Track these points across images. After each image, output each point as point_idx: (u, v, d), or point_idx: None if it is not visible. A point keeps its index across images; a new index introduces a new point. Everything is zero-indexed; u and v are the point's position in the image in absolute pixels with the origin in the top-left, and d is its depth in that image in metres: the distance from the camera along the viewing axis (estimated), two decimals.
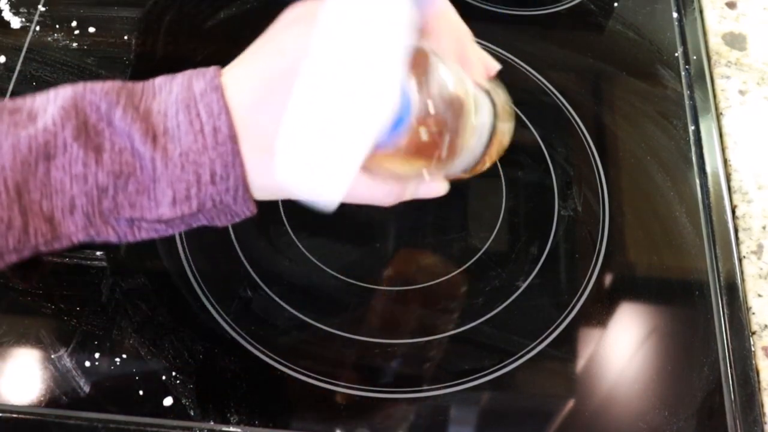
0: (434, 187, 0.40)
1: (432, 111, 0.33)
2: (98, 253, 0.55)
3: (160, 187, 0.33)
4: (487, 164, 0.43)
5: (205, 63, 0.68)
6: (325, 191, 0.31)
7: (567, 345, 0.51)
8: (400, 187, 0.37)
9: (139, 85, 0.34)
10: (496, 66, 0.43)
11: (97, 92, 0.33)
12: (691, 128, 0.62)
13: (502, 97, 0.41)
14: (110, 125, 0.33)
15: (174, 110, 0.33)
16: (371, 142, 0.31)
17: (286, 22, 0.35)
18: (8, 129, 0.32)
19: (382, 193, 0.37)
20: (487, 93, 0.39)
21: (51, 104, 0.33)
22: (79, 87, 0.34)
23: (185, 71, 0.35)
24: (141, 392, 0.48)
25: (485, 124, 0.38)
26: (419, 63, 0.33)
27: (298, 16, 0.35)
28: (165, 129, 0.32)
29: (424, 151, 0.33)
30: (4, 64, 0.65)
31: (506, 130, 0.42)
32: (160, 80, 0.35)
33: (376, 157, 0.33)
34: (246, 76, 0.34)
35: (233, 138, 0.32)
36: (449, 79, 0.34)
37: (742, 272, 0.55)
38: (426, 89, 0.33)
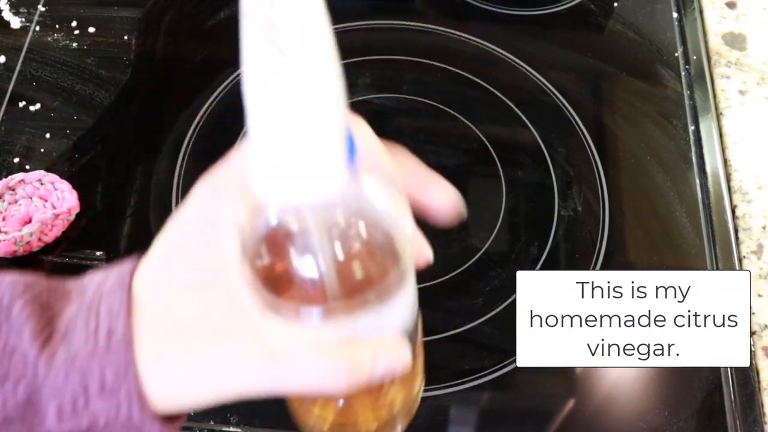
0: (396, 355, 0.30)
1: (367, 219, 0.28)
2: (98, 253, 0.55)
3: (44, 397, 0.28)
4: (417, 387, 0.38)
5: (205, 63, 0.67)
6: (326, 181, 0.25)
7: None
8: (350, 360, 0.28)
9: (64, 285, 0.30)
10: (427, 256, 0.32)
11: (4, 283, 0.29)
12: (691, 128, 0.62)
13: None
14: (8, 320, 0.28)
15: (79, 311, 0.28)
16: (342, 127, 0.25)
17: (192, 192, 0.30)
18: None
19: (327, 371, 0.28)
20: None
21: None
22: None
23: (112, 266, 0.30)
24: None
25: (413, 301, 0.31)
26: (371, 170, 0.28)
27: (201, 186, 0.30)
28: (65, 333, 0.28)
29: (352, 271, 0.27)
30: (4, 64, 0.65)
31: (421, 366, 0.38)
32: (87, 277, 0.30)
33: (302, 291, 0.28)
34: (148, 262, 0.30)
35: (128, 342, 0.27)
36: (397, 212, 0.29)
37: None
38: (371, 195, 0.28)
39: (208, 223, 0.30)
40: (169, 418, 0.29)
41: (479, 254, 0.55)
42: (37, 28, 0.67)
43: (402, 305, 0.31)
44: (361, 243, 0.28)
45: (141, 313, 0.28)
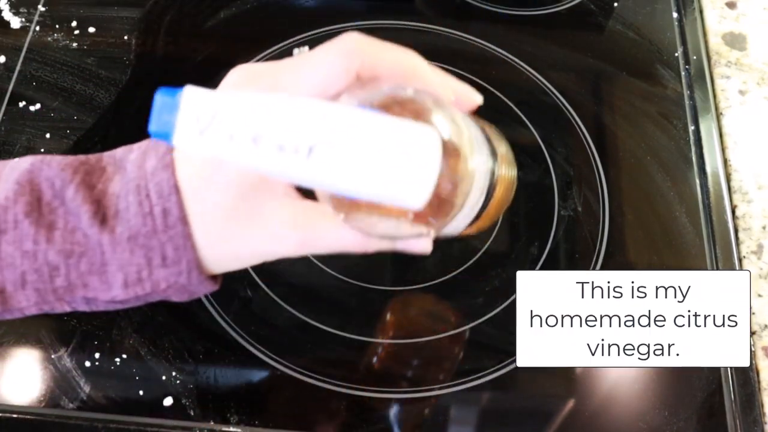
0: (417, 244, 0.34)
1: None
2: None
3: (111, 270, 0.32)
4: (487, 223, 0.39)
5: (205, 63, 0.67)
6: (412, 188, 0.26)
7: None
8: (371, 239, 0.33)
9: (100, 162, 0.33)
10: (476, 99, 0.36)
11: (53, 167, 0.32)
12: (691, 128, 0.62)
13: (502, 144, 0.37)
14: (63, 203, 0.32)
15: (125, 190, 0.32)
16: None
17: (234, 83, 0.32)
18: None
19: (351, 241, 0.33)
20: (482, 130, 0.35)
21: (7, 177, 0.33)
22: (37, 160, 0.33)
23: (142, 143, 0.33)
24: (141, 392, 0.48)
25: (483, 169, 0.32)
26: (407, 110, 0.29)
27: (247, 79, 0.31)
28: (116, 211, 0.31)
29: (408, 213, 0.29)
30: (4, 64, 0.65)
31: (509, 179, 0.38)
32: (120, 153, 0.33)
33: (357, 206, 0.30)
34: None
35: (183, 219, 0.31)
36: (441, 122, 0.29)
37: None
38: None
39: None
40: (214, 276, 0.34)
41: (479, 254, 0.55)
42: (37, 28, 0.67)
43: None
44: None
45: (187, 192, 0.31)
